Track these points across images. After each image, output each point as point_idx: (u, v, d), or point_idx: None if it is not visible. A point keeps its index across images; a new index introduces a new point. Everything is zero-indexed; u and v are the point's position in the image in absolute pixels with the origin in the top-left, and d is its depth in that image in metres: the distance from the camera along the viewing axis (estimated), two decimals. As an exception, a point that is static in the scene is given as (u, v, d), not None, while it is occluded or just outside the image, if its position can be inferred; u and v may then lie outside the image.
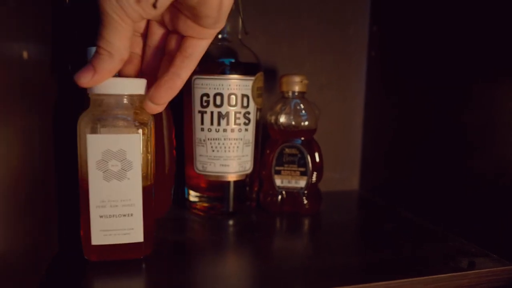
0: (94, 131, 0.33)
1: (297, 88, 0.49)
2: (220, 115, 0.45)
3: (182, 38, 0.33)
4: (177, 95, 0.48)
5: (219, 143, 0.46)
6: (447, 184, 0.46)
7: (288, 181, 0.49)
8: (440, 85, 0.47)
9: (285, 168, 0.49)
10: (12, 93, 0.26)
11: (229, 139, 0.46)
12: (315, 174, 0.49)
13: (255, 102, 0.47)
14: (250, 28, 0.50)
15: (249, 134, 0.48)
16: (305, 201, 0.49)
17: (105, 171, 0.33)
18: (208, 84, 0.45)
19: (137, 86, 0.34)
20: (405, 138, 0.53)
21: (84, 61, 0.40)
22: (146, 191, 0.35)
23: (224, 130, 0.46)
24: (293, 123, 0.49)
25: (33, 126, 0.30)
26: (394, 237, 0.43)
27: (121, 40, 0.29)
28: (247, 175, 0.49)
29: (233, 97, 0.45)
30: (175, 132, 0.48)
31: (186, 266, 0.35)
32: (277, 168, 0.49)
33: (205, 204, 0.49)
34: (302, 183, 0.49)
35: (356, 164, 0.62)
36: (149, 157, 0.35)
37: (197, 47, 0.32)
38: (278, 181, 0.49)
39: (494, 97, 0.39)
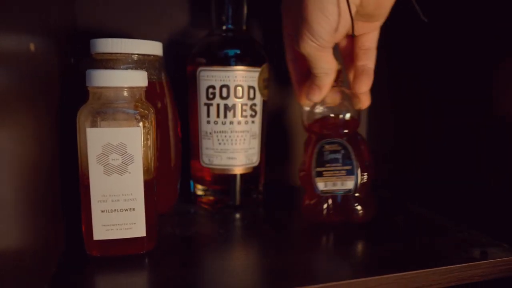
0: (94, 124, 0.32)
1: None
2: (226, 107, 0.45)
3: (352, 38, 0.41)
4: (183, 87, 0.48)
5: (225, 136, 0.45)
6: (453, 175, 0.45)
7: (333, 183, 0.41)
8: (444, 80, 0.46)
9: (328, 169, 0.41)
10: (24, 89, 0.26)
11: (236, 131, 0.45)
12: (364, 172, 0.41)
13: (262, 94, 0.46)
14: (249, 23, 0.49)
15: (256, 126, 0.47)
16: (357, 206, 0.41)
17: (105, 165, 0.33)
18: (214, 76, 0.44)
19: (137, 78, 0.34)
20: (410, 133, 0.52)
21: (87, 53, 0.40)
22: (148, 185, 0.34)
23: (231, 123, 0.45)
24: (332, 114, 0.43)
25: (42, 122, 0.30)
26: (404, 230, 0.43)
27: (328, 61, 0.38)
28: (254, 168, 0.48)
29: (239, 88, 0.44)
30: (180, 125, 0.47)
31: (189, 261, 0.35)
32: (317, 169, 0.41)
33: (211, 198, 0.48)
34: (349, 184, 0.41)
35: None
36: (151, 151, 0.34)
37: (373, 38, 0.41)
38: (320, 185, 0.41)
39: (495, 92, 0.38)
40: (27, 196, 0.26)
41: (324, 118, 0.43)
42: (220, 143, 0.45)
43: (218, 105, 0.45)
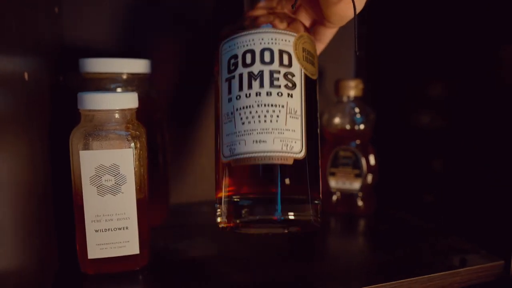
0: (86, 147, 0.33)
1: (352, 93, 0.50)
2: (251, 76, 0.34)
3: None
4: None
5: (250, 112, 0.34)
6: (436, 182, 0.47)
7: (343, 182, 0.50)
8: (426, 86, 0.48)
9: (340, 170, 0.50)
10: (19, 114, 0.26)
11: (264, 105, 0.34)
12: (370, 176, 0.50)
13: (302, 65, 0.35)
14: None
15: (295, 102, 0.34)
16: (360, 203, 0.50)
17: (99, 186, 0.33)
18: (236, 43, 0.35)
19: (128, 100, 0.34)
20: (392, 138, 0.54)
21: (75, 69, 0.40)
22: (140, 203, 0.35)
23: (258, 94, 0.34)
24: (347, 126, 0.50)
25: (35, 145, 0.30)
26: (388, 238, 0.44)
27: None
28: (296, 161, 0.33)
29: (267, 53, 0.34)
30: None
31: (184, 276, 0.35)
32: (331, 169, 0.51)
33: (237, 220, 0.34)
34: (356, 185, 0.50)
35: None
36: (142, 170, 0.35)
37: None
38: (332, 183, 0.51)
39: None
40: (23, 219, 0.26)
41: (342, 129, 0.50)
42: (243, 123, 0.34)
43: (240, 75, 0.34)
